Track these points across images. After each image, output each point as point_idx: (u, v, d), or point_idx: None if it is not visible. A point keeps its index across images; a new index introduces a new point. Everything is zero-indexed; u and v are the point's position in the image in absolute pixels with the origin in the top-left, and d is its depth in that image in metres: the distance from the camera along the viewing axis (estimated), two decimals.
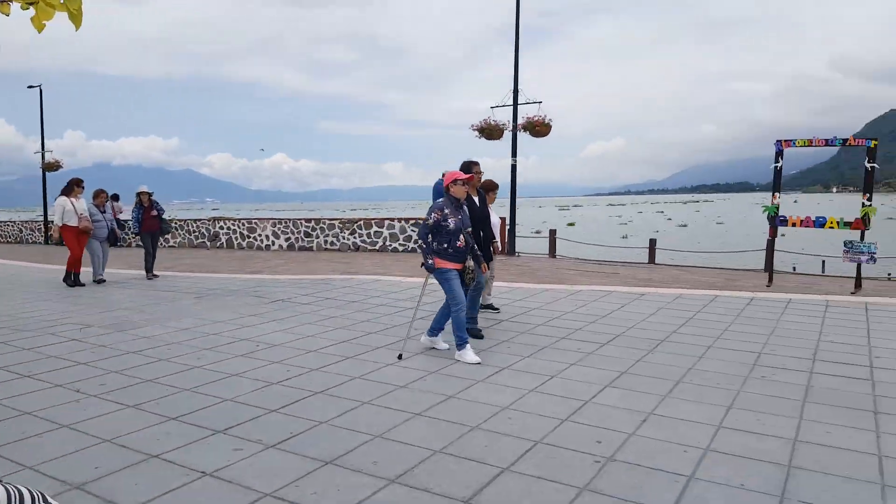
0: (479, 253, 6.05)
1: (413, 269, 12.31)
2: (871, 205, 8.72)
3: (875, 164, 8.55)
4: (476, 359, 5.64)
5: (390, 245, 16.14)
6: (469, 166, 6.73)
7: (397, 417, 4.37)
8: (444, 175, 6.36)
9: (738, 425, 4.22)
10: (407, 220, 16.05)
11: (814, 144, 9.33)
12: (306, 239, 17.43)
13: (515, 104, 15.03)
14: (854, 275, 9.40)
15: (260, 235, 18.36)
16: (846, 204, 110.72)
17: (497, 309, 7.95)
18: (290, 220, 17.83)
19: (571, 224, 60.40)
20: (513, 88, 15.06)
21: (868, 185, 8.74)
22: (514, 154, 15.06)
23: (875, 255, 8.74)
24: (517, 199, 15.40)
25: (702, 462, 3.66)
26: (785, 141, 9.35)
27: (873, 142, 8.66)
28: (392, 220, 16.25)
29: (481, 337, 6.56)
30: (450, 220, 5.72)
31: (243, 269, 13.32)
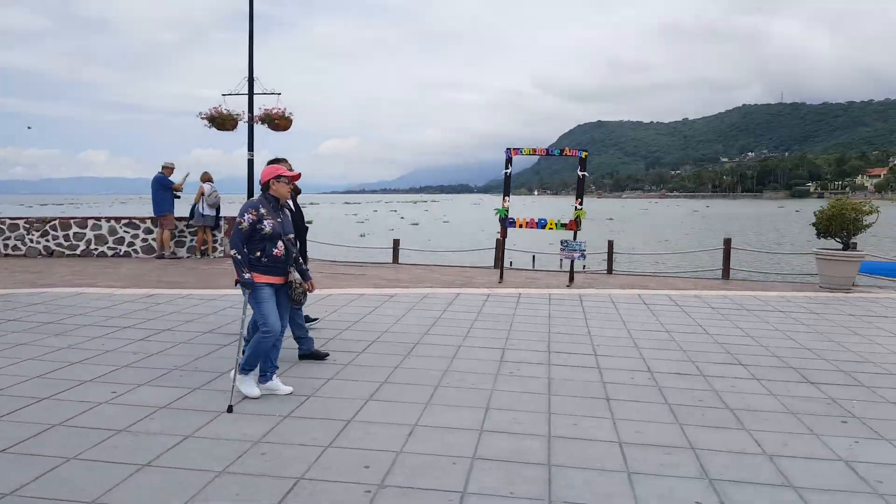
0: (305, 268, 5.10)
1: (129, 277, 10.62)
2: (582, 208, 9.96)
3: (586, 173, 9.80)
4: (257, 392, 4.70)
5: (96, 249, 13.69)
6: (276, 162, 5.76)
7: (117, 472, 3.47)
8: (276, 162, 5.29)
9: (498, 427, 4.26)
10: (118, 219, 13.85)
11: (537, 153, 10.34)
12: None
13: (251, 93, 13.97)
14: (568, 269, 10.66)
15: None
16: (547, 204, 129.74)
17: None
18: None
19: (309, 223, 59.80)
20: (247, 77, 13.99)
21: (580, 191, 9.98)
22: (250, 147, 13.99)
23: (585, 252, 10.01)
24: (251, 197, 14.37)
25: (471, 473, 3.56)
26: (513, 149, 10.16)
27: (584, 153, 9.90)
28: (98, 219, 13.85)
29: (325, 355, 5.83)
30: (266, 223, 4.68)
31: None
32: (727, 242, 12.56)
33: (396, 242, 14.01)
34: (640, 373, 5.59)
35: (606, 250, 12.96)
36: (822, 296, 9.99)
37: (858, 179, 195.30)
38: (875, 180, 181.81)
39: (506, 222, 10.33)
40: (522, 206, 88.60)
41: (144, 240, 13.75)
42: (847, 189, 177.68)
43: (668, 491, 3.44)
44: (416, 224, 65.09)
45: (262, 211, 4.69)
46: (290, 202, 5.73)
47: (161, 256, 13.30)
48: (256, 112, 13.78)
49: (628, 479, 3.56)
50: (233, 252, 4.64)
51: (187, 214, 13.61)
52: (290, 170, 5.49)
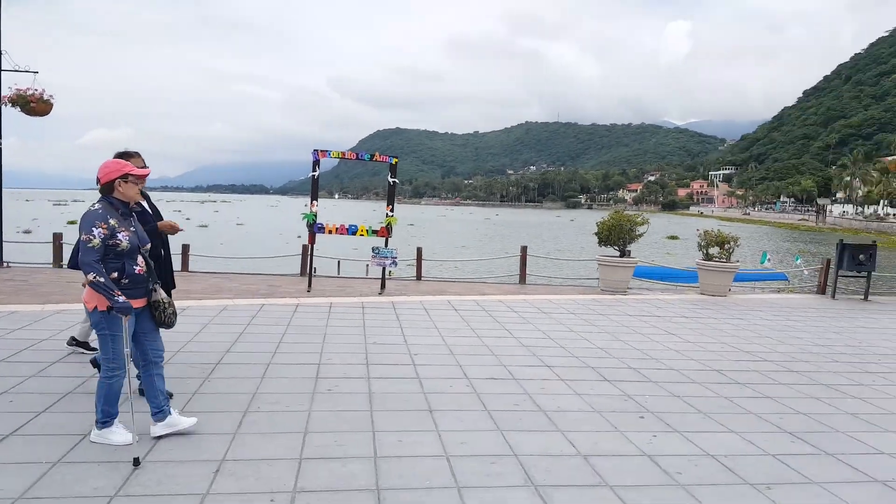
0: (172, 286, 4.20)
1: None
2: (393, 215, 9.87)
3: (396, 179, 9.74)
4: (127, 438, 3.86)
5: None
6: (125, 158, 4.58)
7: None
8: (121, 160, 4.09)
9: (319, 452, 3.91)
10: None
11: (346, 157, 10.04)
12: None
13: None
14: (379, 276, 10.51)
15: None
16: (350, 208, 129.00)
17: (95, 349, 5.83)
18: None
19: (73, 223, 52.50)
20: None
21: (391, 198, 9.88)
22: None
23: (396, 259, 9.95)
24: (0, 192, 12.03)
25: None
26: (321, 151, 9.76)
27: (395, 159, 9.83)
28: None
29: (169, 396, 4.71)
30: (121, 236, 3.81)
31: None
32: (524, 250, 13.42)
33: (185, 248, 12.64)
34: (458, 380, 5.60)
35: (415, 256, 13.08)
36: (605, 298, 11.08)
37: (620, 193, 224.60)
38: (633, 194, 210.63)
39: (314, 227, 9.88)
40: (325, 210, 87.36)
41: None
42: (611, 202, 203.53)
43: (499, 502, 3.41)
44: (205, 226, 60.52)
45: (112, 222, 3.79)
46: (144, 202, 4.75)
47: None
48: (6, 92, 11.56)
49: (458, 495, 3.45)
50: (91, 276, 3.67)
51: None
52: (143, 166, 4.58)
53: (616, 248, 11.96)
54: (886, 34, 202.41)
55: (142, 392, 4.87)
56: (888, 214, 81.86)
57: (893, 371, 6.69)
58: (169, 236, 5.04)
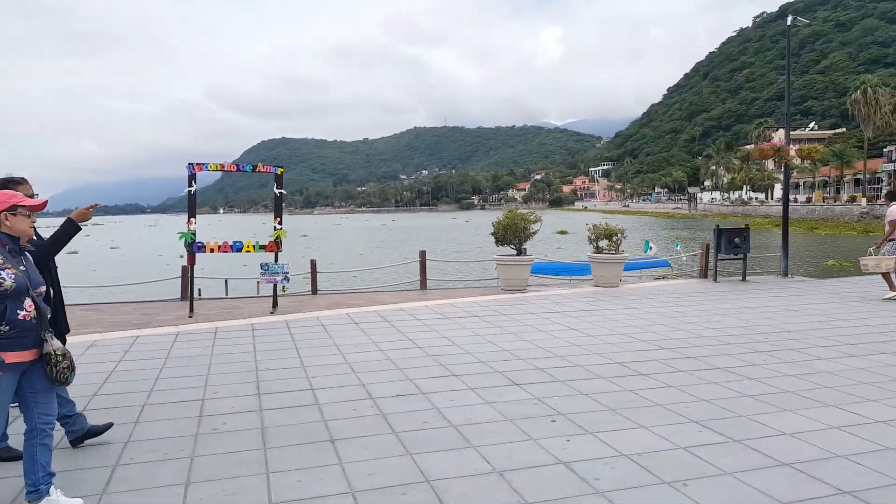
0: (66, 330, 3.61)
1: None
2: (282, 228, 9.27)
3: (283, 190, 9.14)
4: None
5: None
6: (10, 186, 3.74)
7: None
8: None
9: None
10: None
11: (225, 170, 9.32)
12: None
13: None
14: (271, 294, 9.85)
15: None
16: (237, 223, 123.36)
17: None
18: None
19: None
20: None
21: (278, 210, 9.27)
22: None
23: (288, 275, 9.34)
24: None
25: None
26: (197, 164, 9.00)
27: (280, 170, 9.24)
28: None
29: (108, 426, 4.39)
30: (5, 275, 3.16)
31: None
32: (423, 255, 13.17)
33: None
34: (362, 402, 5.21)
35: (309, 270, 12.46)
36: (505, 297, 11.04)
37: (510, 193, 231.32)
38: (522, 193, 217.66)
39: (194, 247, 9.08)
40: (209, 227, 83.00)
41: None
42: (502, 201, 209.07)
43: None
44: (75, 252, 55.53)
45: None
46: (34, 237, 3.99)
47: None
48: None
49: None
50: None
51: None
52: (32, 195, 3.86)
53: (513, 246, 11.99)
54: (735, 34, 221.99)
55: (76, 441, 4.24)
56: (751, 198, 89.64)
57: (779, 349, 7.02)
58: (58, 269, 4.39)
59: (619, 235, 12.50)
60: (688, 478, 3.74)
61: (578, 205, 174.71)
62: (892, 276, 10.46)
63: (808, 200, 69.29)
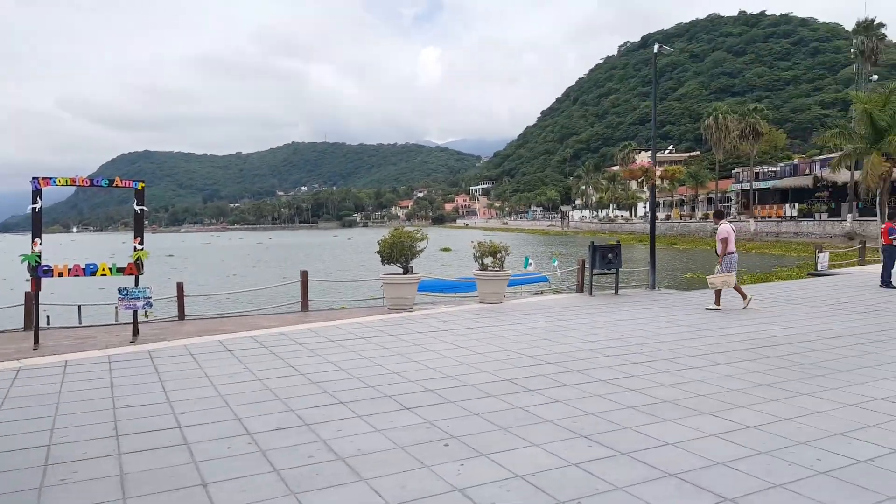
0: None
1: None
2: (143, 248, 8.43)
3: (144, 207, 8.34)
4: None
5: None
6: None
7: None
8: None
9: None
10: None
11: (77, 184, 8.38)
12: None
13: None
14: (131, 321, 8.93)
15: None
16: (93, 243, 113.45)
17: None
18: None
19: None
20: None
21: (139, 228, 8.44)
22: None
23: (151, 299, 8.52)
24: None
25: None
26: (43, 179, 8.01)
27: (140, 184, 8.43)
28: None
29: None
30: None
31: None
32: (304, 275, 12.64)
33: None
34: (238, 438, 4.76)
35: (176, 293, 11.50)
36: (392, 317, 10.81)
37: (393, 210, 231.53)
38: (405, 210, 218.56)
39: (38, 270, 8.04)
40: (60, 246, 75.50)
41: None
42: (385, 219, 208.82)
43: None
44: None
45: None
46: None
47: None
48: None
49: None
50: None
51: None
52: None
53: (399, 265, 11.81)
54: (602, 61, 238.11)
55: None
56: (617, 216, 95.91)
57: (655, 359, 7.35)
58: None
59: (503, 252, 12.71)
60: (582, 496, 3.70)
61: (460, 222, 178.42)
62: (722, 291, 11.43)
63: (668, 218, 75.17)
